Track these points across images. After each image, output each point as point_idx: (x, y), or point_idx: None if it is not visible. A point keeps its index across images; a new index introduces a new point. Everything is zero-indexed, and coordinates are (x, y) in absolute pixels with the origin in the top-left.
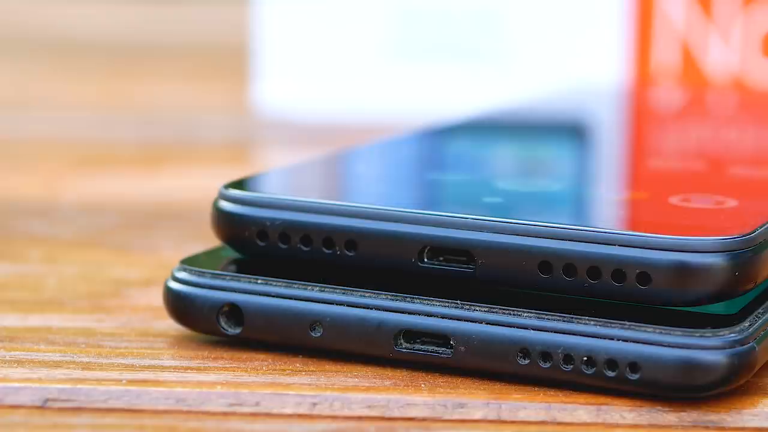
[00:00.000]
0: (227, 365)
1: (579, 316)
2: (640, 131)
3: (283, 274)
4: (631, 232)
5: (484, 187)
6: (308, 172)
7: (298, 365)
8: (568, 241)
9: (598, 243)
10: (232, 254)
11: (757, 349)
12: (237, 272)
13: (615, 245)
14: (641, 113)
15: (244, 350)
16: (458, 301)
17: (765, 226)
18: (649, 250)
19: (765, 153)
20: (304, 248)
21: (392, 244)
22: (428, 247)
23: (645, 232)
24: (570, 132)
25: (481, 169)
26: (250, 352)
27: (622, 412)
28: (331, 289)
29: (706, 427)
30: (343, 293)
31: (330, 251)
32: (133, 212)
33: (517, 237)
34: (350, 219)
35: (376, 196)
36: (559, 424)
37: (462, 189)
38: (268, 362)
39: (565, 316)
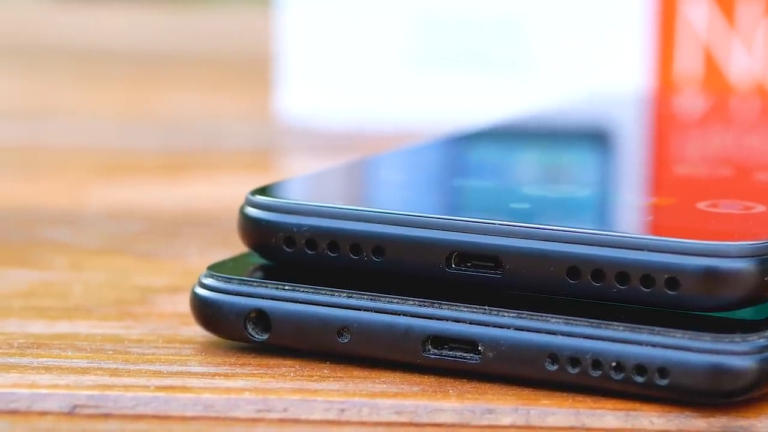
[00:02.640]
0: (255, 371)
1: (608, 322)
2: (664, 138)
3: (310, 281)
4: (659, 237)
5: (511, 193)
6: (334, 179)
7: (325, 371)
8: (596, 247)
9: (627, 248)
10: (258, 261)
11: None
12: (264, 278)
13: (644, 250)
14: (665, 120)
15: (271, 356)
16: (486, 307)
17: None
18: (678, 255)
19: None
20: (331, 254)
21: (420, 250)
22: (456, 253)
23: (673, 237)
24: (595, 138)
25: (507, 175)
26: (278, 358)
27: (651, 418)
28: (358, 296)
29: None
30: (371, 299)
31: (357, 257)
32: (158, 219)
33: (545, 242)
34: (378, 225)
35: (403, 202)
36: (588, 429)
37: (488, 195)
38: (295, 368)
39: (593, 322)
